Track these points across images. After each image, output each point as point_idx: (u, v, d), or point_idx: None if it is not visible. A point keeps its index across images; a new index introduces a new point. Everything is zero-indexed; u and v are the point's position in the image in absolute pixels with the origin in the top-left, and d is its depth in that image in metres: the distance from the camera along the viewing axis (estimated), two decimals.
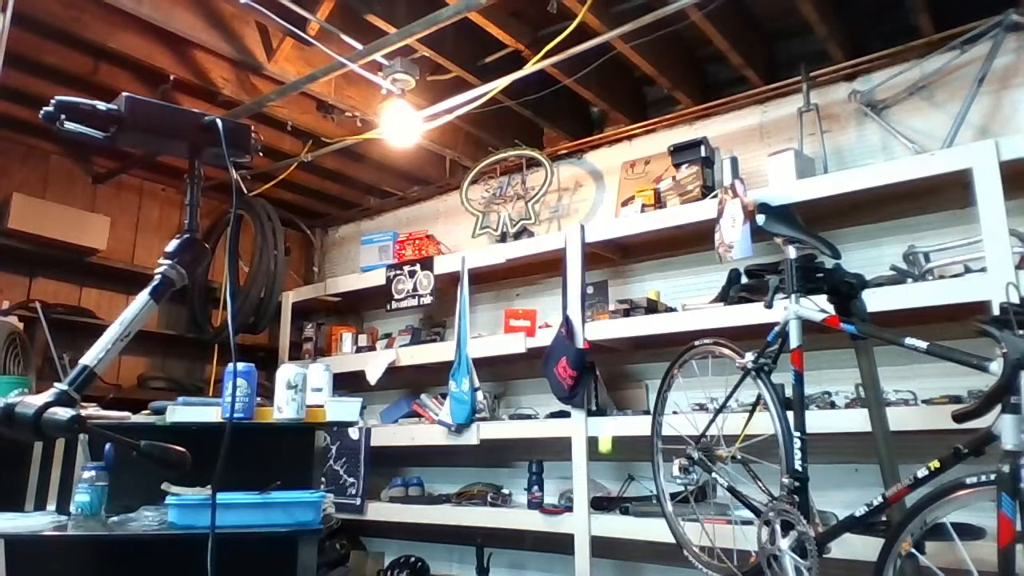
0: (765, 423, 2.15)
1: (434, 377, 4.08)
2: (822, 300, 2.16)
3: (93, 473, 1.93)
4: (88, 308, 4.21)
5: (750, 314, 2.78)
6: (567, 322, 3.32)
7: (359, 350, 4.41)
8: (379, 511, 3.88)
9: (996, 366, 1.54)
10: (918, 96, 3.08)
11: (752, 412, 2.29)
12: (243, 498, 1.95)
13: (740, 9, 3.33)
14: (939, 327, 2.54)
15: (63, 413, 1.07)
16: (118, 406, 2.35)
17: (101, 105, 1.29)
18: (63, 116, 1.26)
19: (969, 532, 2.08)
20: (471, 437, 3.59)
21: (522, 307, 3.87)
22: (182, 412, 2.13)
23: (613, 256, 3.68)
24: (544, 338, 3.45)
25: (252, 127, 1.47)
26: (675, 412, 2.70)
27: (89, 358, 1.20)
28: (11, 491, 2.17)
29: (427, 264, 4.01)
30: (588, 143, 4.08)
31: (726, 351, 2.37)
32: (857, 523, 1.90)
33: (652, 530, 2.87)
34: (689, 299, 3.24)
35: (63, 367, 3.52)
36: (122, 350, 1.25)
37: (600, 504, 3.23)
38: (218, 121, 1.39)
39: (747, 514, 2.24)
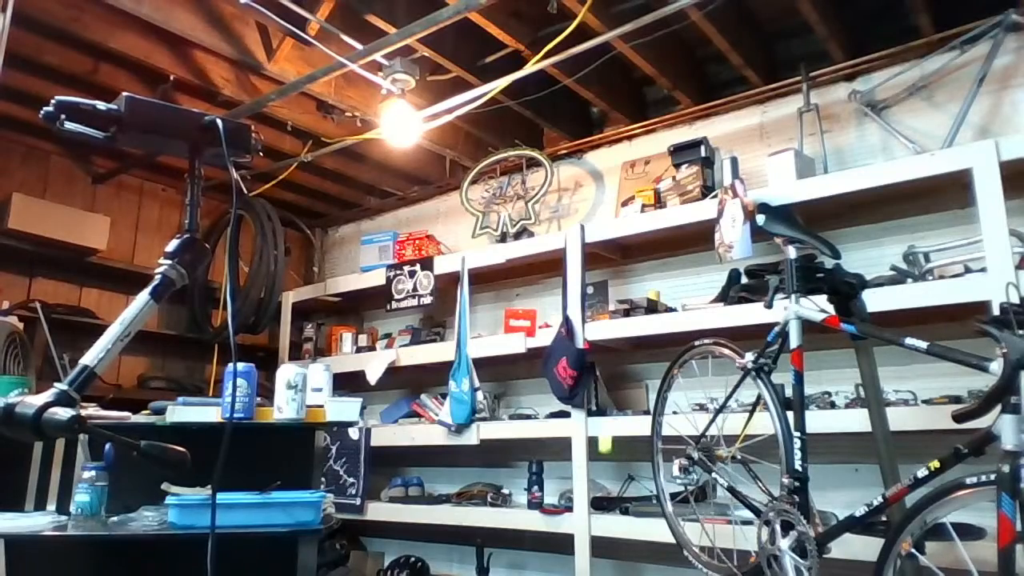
0: (765, 423, 2.15)
1: (434, 377, 4.08)
2: (822, 300, 2.16)
3: (93, 473, 1.92)
4: (88, 308, 4.21)
5: (750, 314, 2.78)
6: (567, 322, 3.32)
7: (359, 350, 4.41)
8: (379, 511, 3.88)
9: (996, 366, 1.54)
10: (918, 96, 3.08)
11: (752, 412, 2.29)
12: (243, 498, 1.95)
13: (740, 9, 3.33)
14: (939, 327, 2.54)
15: (63, 413, 1.07)
16: (118, 406, 2.35)
17: (101, 105, 1.29)
18: (63, 116, 1.26)
19: (969, 532, 2.08)
20: (471, 437, 3.59)
21: (522, 307, 3.87)
22: (182, 412, 2.13)
23: (613, 256, 3.68)
24: (544, 338, 3.45)
25: (252, 127, 1.47)
26: (675, 412, 2.70)
27: (89, 358, 1.20)
28: (11, 491, 2.17)
29: (427, 264, 4.01)
30: (588, 143, 4.08)
31: (726, 351, 2.37)
32: (857, 523, 1.90)
33: (652, 530, 2.87)
34: (689, 299, 3.24)
35: (63, 367, 3.52)
36: (122, 350, 1.25)
37: (600, 504, 3.23)
38: (218, 121, 1.39)
39: (747, 514, 2.24)
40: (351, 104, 3.69)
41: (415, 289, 4.02)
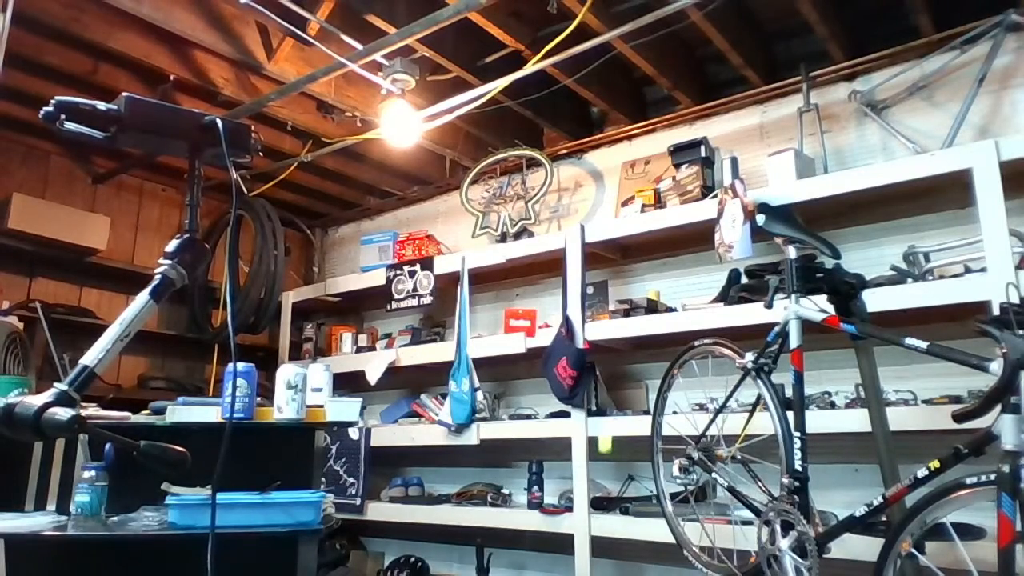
0: (765, 423, 2.15)
1: (434, 377, 4.08)
2: (822, 300, 2.16)
3: (93, 473, 1.92)
4: (88, 308, 4.21)
5: (750, 314, 2.78)
6: (567, 322, 3.31)
7: (359, 350, 4.41)
8: (379, 511, 3.88)
9: (996, 366, 1.54)
10: (918, 96, 3.08)
11: (752, 412, 2.29)
12: (243, 498, 1.95)
13: (740, 9, 3.33)
14: (939, 327, 2.54)
15: (63, 413, 1.07)
16: (118, 406, 2.35)
17: (101, 105, 1.29)
18: (63, 116, 1.26)
19: (969, 532, 2.08)
20: (471, 437, 3.59)
21: (522, 307, 3.87)
22: (182, 412, 2.13)
23: (613, 256, 3.68)
24: (544, 338, 3.45)
25: (252, 127, 1.47)
26: (675, 412, 2.70)
27: (89, 358, 1.20)
28: (11, 491, 2.17)
29: (427, 264, 4.01)
30: (588, 143, 4.08)
31: (726, 351, 2.37)
32: (857, 523, 1.90)
33: (652, 530, 2.87)
34: (689, 299, 3.24)
35: (63, 367, 3.51)
36: (122, 350, 1.25)
37: (600, 504, 3.23)
38: (218, 121, 1.39)
39: (747, 514, 2.24)
40: (351, 104, 3.69)
41: (415, 289, 4.02)
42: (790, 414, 2.09)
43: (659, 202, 3.41)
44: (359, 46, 3.03)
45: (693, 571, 2.41)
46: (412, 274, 4.05)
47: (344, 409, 2.24)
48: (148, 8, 2.89)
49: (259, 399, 2.22)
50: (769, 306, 2.35)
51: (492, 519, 3.52)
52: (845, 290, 2.17)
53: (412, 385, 4.40)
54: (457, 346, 3.71)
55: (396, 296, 4.09)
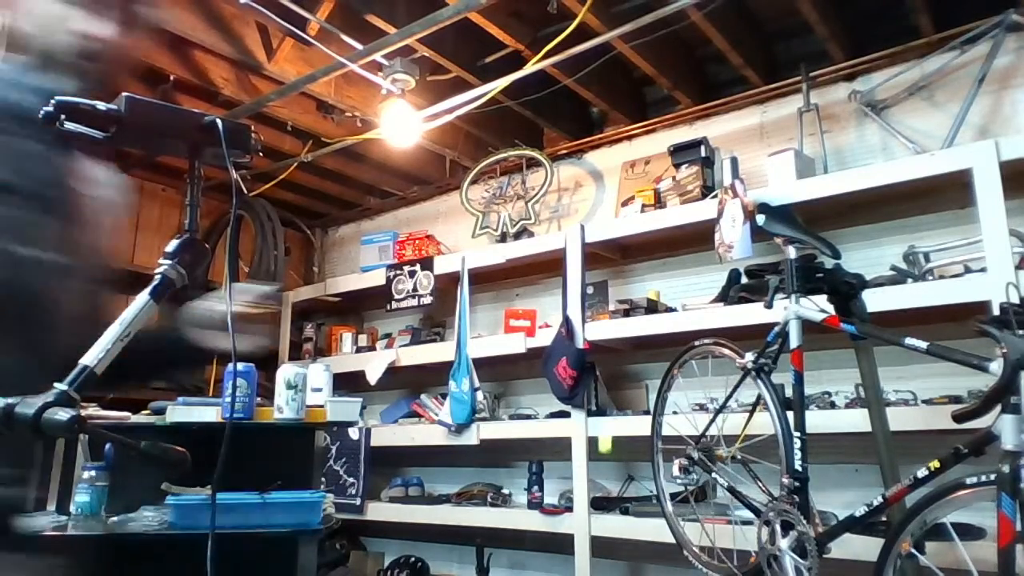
0: (765, 423, 2.16)
1: (434, 377, 4.08)
2: (822, 300, 2.16)
3: (93, 473, 1.93)
4: None
5: (750, 314, 2.78)
6: (567, 322, 3.31)
7: (359, 350, 4.41)
8: (379, 511, 3.88)
9: (996, 366, 1.54)
10: (918, 96, 3.08)
11: (752, 412, 2.29)
12: (243, 498, 1.95)
13: (740, 9, 3.33)
14: (939, 327, 2.53)
15: (63, 413, 1.07)
16: (118, 406, 2.35)
17: (101, 105, 1.29)
18: (63, 116, 1.26)
19: (969, 532, 2.08)
20: (471, 437, 3.59)
21: (522, 307, 3.87)
22: (182, 412, 2.13)
23: (613, 256, 3.68)
24: (544, 338, 3.45)
25: (252, 127, 1.47)
26: (675, 412, 2.70)
27: (89, 358, 1.20)
28: None
29: (427, 264, 4.01)
30: (588, 143, 4.08)
31: (726, 351, 2.37)
32: (857, 523, 1.90)
33: (652, 530, 2.87)
34: (689, 299, 3.24)
35: None
36: (122, 350, 1.25)
37: (600, 504, 3.23)
38: (218, 121, 1.39)
39: (747, 514, 2.24)
40: (351, 104, 3.69)
41: (415, 289, 4.02)
42: (790, 414, 2.09)
43: (659, 202, 3.41)
44: (359, 46, 3.03)
45: (693, 571, 2.41)
46: (412, 274, 4.05)
47: (344, 409, 2.25)
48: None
49: (259, 399, 2.22)
50: (769, 306, 2.35)
51: (492, 519, 3.52)
52: (845, 290, 2.17)
53: (412, 385, 4.39)
54: (457, 346, 3.71)
55: (396, 296, 4.09)
